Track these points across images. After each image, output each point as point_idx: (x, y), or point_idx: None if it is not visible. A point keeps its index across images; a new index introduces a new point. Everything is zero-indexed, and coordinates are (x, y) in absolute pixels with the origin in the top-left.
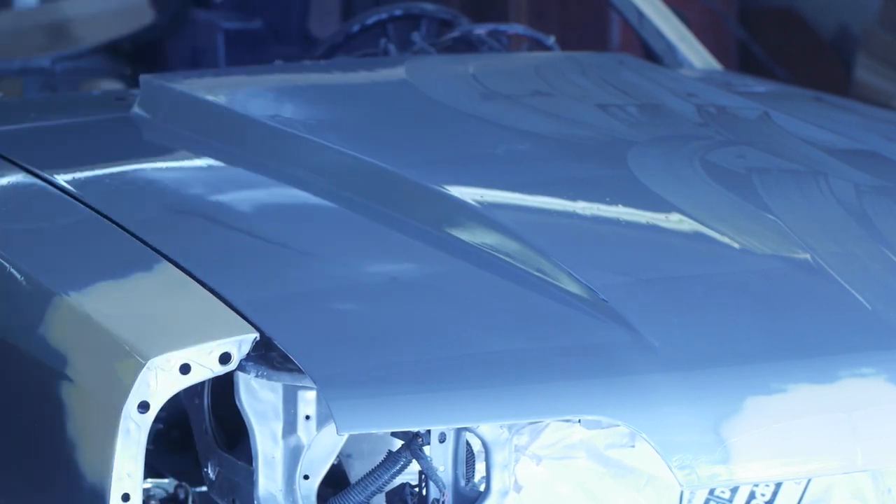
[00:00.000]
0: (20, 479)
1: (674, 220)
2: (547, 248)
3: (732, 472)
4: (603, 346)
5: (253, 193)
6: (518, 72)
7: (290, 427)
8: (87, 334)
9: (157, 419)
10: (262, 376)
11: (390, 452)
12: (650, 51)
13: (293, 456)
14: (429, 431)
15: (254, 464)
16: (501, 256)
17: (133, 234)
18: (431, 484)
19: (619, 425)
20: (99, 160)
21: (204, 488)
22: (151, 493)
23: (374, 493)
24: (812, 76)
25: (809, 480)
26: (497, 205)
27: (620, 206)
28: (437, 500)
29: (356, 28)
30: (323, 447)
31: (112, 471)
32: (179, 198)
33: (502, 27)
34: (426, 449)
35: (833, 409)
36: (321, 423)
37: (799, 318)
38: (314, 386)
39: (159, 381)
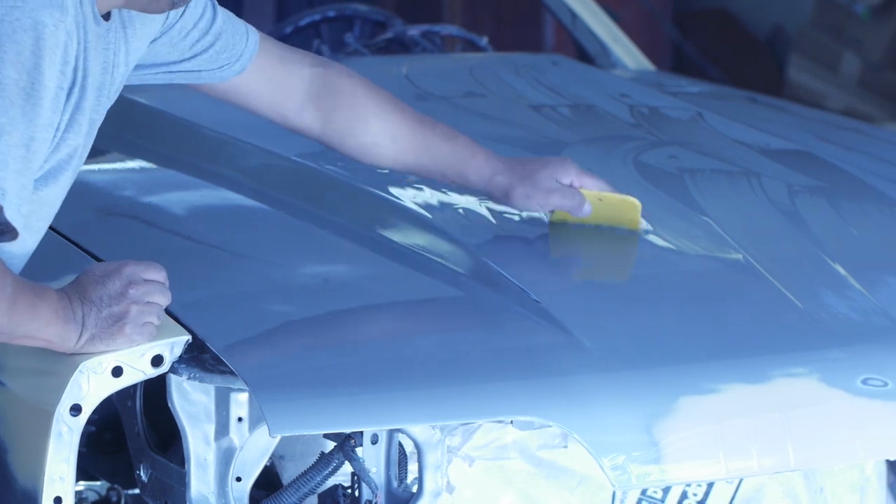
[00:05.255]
0: None
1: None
2: (479, 250)
3: (664, 472)
4: (535, 347)
5: (185, 195)
6: (452, 72)
7: (222, 429)
8: None
9: (89, 422)
10: (195, 378)
11: (323, 454)
12: (583, 51)
13: (225, 458)
14: (361, 433)
15: (186, 466)
16: (434, 258)
17: (64, 236)
18: (364, 485)
19: (551, 426)
20: None
21: (136, 491)
22: (84, 495)
23: (306, 495)
24: (746, 76)
25: (741, 480)
26: (429, 206)
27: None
28: (370, 502)
29: (289, 29)
30: (255, 449)
31: (44, 474)
32: (111, 199)
33: (436, 28)
34: (359, 450)
35: (765, 408)
36: (254, 425)
37: (731, 318)
38: (247, 388)
39: (91, 384)
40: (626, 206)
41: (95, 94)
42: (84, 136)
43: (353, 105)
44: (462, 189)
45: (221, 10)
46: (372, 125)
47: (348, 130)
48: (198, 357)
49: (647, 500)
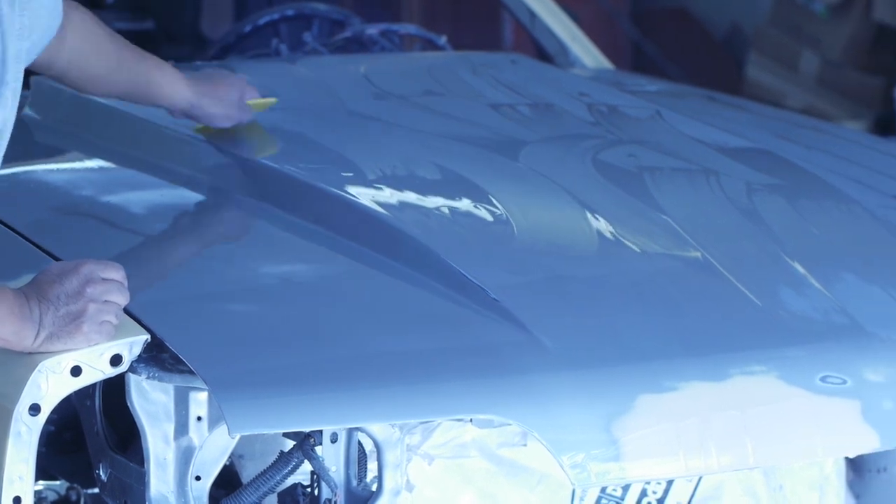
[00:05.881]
0: None
1: (566, 220)
2: (438, 248)
3: (624, 470)
4: (494, 345)
5: (144, 194)
6: (410, 72)
7: (181, 428)
8: None
9: (48, 421)
10: (154, 378)
11: (282, 453)
12: (542, 50)
13: (185, 457)
14: (321, 431)
15: (145, 465)
16: (392, 256)
17: (22, 235)
18: (323, 484)
19: (510, 424)
20: None
21: (96, 490)
22: (43, 495)
23: (266, 494)
24: (704, 75)
25: (701, 478)
26: (389, 204)
27: (512, 206)
28: (330, 500)
29: (248, 28)
30: (215, 448)
31: (3, 473)
32: (70, 199)
33: (394, 27)
34: (318, 449)
35: (724, 406)
36: (213, 424)
37: (690, 316)
38: (206, 387)
39: (50, 384)
40: (266, 105)
41: (14, 63)
42: (10, 108)
43: (95, 49)
44: (421, 188)
45: None
46: (104, 62)
47: (86, 71)
48: (157, 356)
49: (606, 499)
